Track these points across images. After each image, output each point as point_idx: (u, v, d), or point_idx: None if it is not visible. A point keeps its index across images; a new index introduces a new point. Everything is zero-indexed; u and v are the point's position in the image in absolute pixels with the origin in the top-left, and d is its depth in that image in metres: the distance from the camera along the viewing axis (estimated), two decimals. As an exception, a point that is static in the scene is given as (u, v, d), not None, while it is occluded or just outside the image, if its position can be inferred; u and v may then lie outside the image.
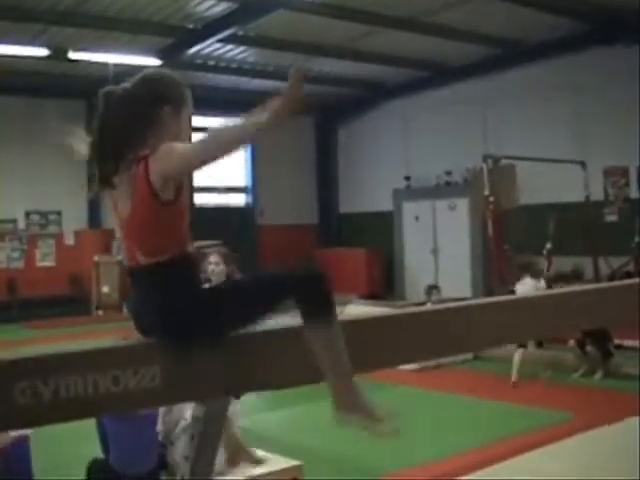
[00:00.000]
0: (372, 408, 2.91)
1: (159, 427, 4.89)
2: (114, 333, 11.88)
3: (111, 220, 19.13)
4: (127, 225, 2.82)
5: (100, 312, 18.14)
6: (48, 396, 2.52)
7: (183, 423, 4.96)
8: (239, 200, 22.47)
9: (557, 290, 4.01)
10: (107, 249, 18.86)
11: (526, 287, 10.39)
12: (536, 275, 10.70)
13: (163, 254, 2.76)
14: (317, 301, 2.77)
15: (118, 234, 2.99)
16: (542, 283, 10.59)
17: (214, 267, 6.28)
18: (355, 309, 13.28)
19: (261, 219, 22.21)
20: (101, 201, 19.31)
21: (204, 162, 2.71)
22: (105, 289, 18.20)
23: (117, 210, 2.85)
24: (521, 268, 10.95)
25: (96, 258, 18.43)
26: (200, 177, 20.96)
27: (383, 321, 3.27)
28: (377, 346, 3.15)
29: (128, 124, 2.77)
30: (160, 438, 4.99)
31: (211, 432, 3.43)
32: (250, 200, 22.45)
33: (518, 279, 10.94)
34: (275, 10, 14.03)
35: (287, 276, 2.83)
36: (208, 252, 6.75)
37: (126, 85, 2.88)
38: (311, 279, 2.79)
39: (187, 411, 4.90)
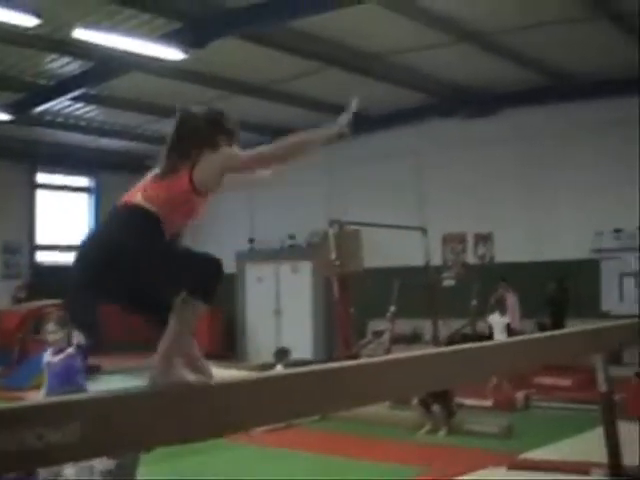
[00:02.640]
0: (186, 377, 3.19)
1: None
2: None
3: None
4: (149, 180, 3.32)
5: None
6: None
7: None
8: (81, 258, 22.05)
9: (404, 355, 4.27)
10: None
11: (496, 319, 13.11)
12: (503, 312, 13.19)
13: (156, 206, 3.20)
14: (204, 285, 3.16)
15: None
16: (506, 318, 13.23)
17: (53, 335, 6.36)
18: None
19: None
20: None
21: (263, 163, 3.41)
22: None
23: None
24: (497, 303, 13.50)
25: None
26: (42, 234, 20.66)
27: (245, 385, 3.39)
28: (239, 409, 3.30)
29: (192, 138, 3.38)
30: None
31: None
32: (93, 258, 22.03)
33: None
34: (129, 71, 14.16)
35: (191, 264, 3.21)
36: (47, 314, 6.80)
37: (201, 109, 3.53)
38: (207, 267, 3.18)
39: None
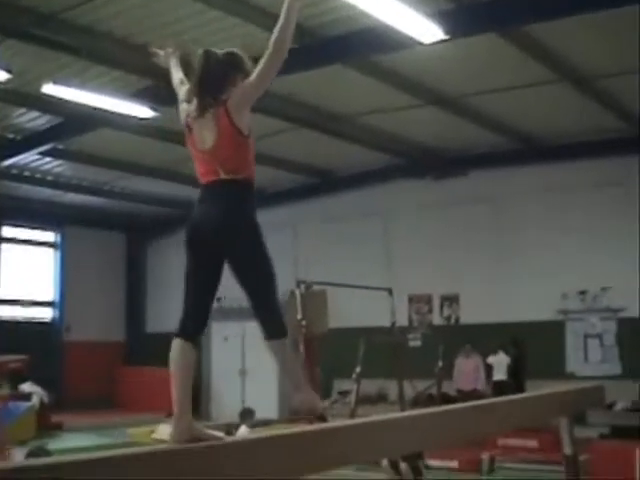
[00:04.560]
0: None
1: None
2: None
3: None
4: (211, 151, 3.73)
5: None
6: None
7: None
8: (45, 314, 21.83)
9: (374, 418, 4.21)
10: None
11: (496, 359, 15.61)
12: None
13: (239, 174, 3.71)
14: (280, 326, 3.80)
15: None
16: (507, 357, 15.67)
17: None
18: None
19: (67, 335, 21.58)
20: None
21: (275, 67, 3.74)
22: None
23: (198, 141, 3.77)
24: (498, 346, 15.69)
25: None
26: (4, 289, 20.42)
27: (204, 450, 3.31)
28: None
29: (219, 76, 3.83)
30: None
31: None
32: (56, 315, 21.81)
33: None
34: (98, 128, 14.14)
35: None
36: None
37: (222, 51, 3.93)
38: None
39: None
